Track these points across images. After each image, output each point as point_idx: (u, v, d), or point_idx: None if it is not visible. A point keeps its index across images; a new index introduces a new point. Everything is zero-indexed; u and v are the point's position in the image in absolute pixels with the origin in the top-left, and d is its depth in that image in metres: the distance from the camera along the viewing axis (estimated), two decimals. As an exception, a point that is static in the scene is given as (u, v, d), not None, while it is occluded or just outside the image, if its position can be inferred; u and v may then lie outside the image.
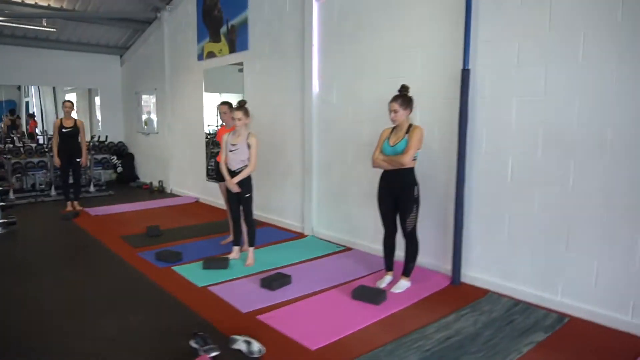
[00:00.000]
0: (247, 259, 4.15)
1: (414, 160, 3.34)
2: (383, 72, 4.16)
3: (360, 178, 4.45)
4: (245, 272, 3.92)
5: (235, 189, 4.01)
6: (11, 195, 7.21)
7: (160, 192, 8.21)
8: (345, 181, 4.70)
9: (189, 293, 3.49)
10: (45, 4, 7.21)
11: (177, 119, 7.68)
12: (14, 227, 5.48)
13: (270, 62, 5.47)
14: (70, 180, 6.52)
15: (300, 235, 5.16)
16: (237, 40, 5.99)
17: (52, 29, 7.76)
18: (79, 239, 5.10)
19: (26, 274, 3.98)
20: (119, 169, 9.23)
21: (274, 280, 3.58)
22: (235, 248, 4.29)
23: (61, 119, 6.40)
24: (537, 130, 3.16)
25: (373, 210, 3.75)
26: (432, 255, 3.89)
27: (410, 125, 3.35)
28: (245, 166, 3.99)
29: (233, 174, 4.01)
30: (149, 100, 8.66)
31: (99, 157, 9.14)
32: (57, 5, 7.31)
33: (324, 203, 5.00)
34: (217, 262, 4.04)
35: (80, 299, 3.42)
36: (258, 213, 5.91)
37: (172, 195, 7.92)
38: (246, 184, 4.04)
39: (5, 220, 5.43)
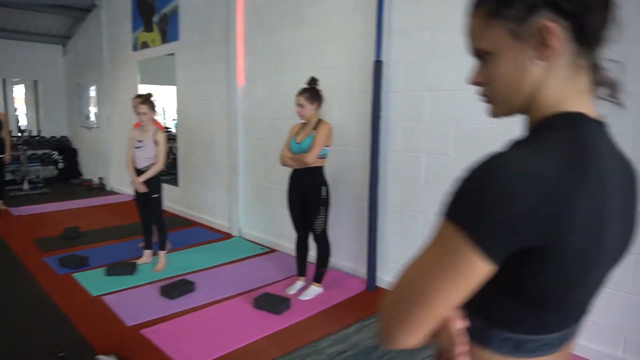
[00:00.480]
0: (157, 264, 3.86)
1: (322, 158, 3.10)
2: (304, 65, 3.90)
3: (282, 177, 4.18)
4: (152, 278, 3.63)
5: (141, 188, 3.71)
6: None
7: (100, 189, 7.81)
8: (269, 180, 4.44)
9: (77, 304, 3.18)
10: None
11: (115, 112, 7.28)
12: None
13: (200, 53, 5.15)
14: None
15: (227, 236, 4.88)
16: (168, 30, 5.65)
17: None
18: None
19: None
20: (60, 165, 8.76)
21: (175, 288, 3.30)
22: (146, 252, 4.00)
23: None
24: (448, 128, 2.96)
25: (288, 212, 3.51)
26: (351, 258, 3.68)
27: (318, 121, 3.11)
28: (153, 164, 3.70)
29: (139, 172, 3.71)
30: (90, 93, 8.23)
31: (40, 152, 8.68)
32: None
33: (250, 203, 4.74)
34: (123, 267, 3.74)
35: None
36: (189, 212, 5.63)
37: (112, 192, 7.53)
38: (153, 183, 3.74)
39: None
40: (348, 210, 3.64)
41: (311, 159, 3.02)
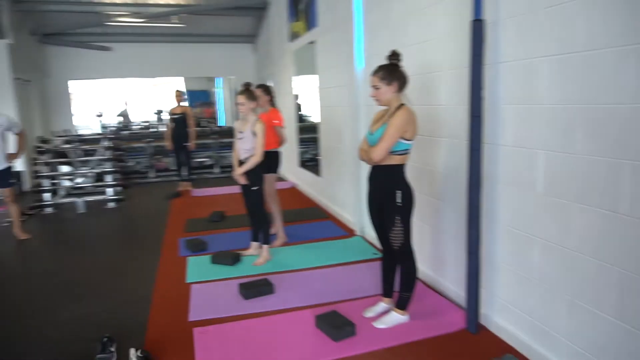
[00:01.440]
0: (258, 258, 3.78)
1: (400, 154, 2.44)
2: (409, 39, 3.18)
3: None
4: (247, 272, 3.56)
5: (241, 180, 3.66)
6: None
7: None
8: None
9: (168, 288, 3.33)
10: (173, 2, 7.95)
11: (280, 104, 7.61)
12: (123, 203, 6.27)
13: (331, 38, 4.85)
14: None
15: (349, 234, 4.51)
16: (309, 17, 5.51)
17: (182, 25, 8.54)
18: (151, 220, 5.44)
19: (77, 249, 4.45)
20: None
21: (251, 288, 3.13)
22: (253, 244, 3.96)
23: (173, 107, 7.00)
24: (575, 112, 1.92)
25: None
26: (457, 281, 2.87)
27: (398, 107, 2.45)
28: (252, 156, 3.60)
29: (242, 164, 3.66)
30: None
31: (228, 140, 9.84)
32: (184, 2, 7.97)
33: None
34: (226, 257, 3.78)
35: (73, 280, 3.60)
36: (328, 204, 5.45)
37: (280, 179, 7.97)
38: (253, 175, 3.64)
39: (116, 197, 6.23)
40: (454, 220, 2.84)
41: (378, 155, 2.39)
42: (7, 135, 4.61)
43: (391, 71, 2.44)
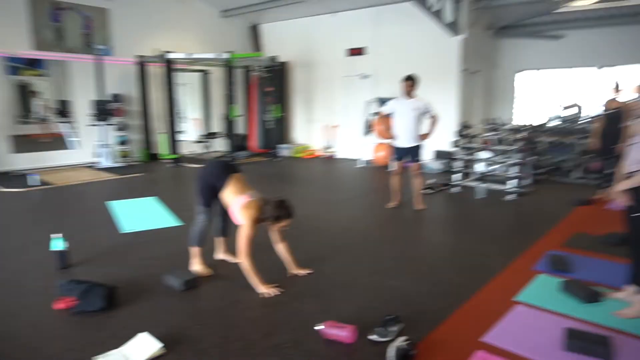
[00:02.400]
0: (629, 307, 2.78)
1: None
2: None
3: None
4: (593, 318, 2.72)
5: (622, 199, 2.73)
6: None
7: None
8: None
9: (488, 296, 3.03)
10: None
11: None
12: (523, 197, 6.03)
13: None
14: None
15: None
16: None
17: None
18: (537, 222, 4.91)
19: (452, 227, 4.68)
20: None
21: (580, 340, 2.38)
22: (629, 287, 2.92)
23: (611, 100, 5.93)
24: None
25: None
26: None
27: None
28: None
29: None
30: None
31: None
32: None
33: None
34: (580, 290, 2.99)
35: (413, 253, 3.80)
36: None
37: None
38: (638, 196, 2.64)
39: (519, 190, 6.05)
40: None
41: None
42: (422, 118, 5.32)
43: None
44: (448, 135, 7.19)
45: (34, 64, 12.84)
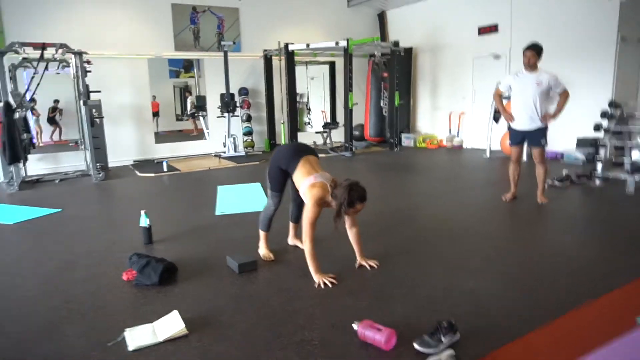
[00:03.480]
0: None
1: None
2: None
3: None
4: None
5: None
6: None
7: None
8: None
9: (599, 317, 2.29)
10: None
11: None
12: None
13: None
14: None
15: None
16: None
17: None
18: None
19: (553, 226, 3.82)
20: None
21: None
22: None
23: None
24: None
25: None
26: None
27: None
28: None
29: None
30: None
31: None
32: None
33: None
34: None
35: (494, 253, 3.10)
36: None
37: None
38: None
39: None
40: None
41: None
42: (547, 95, 4.44)
43: None
44: (596, 120, 5.95)
45: (189, 68, 14.54)
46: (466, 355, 1.95)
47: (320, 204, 2.78)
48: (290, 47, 8.57)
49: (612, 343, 1.99)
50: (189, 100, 14.33)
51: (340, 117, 9.75)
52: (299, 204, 3.39)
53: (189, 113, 14.05)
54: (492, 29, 8.38)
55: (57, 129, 10.02)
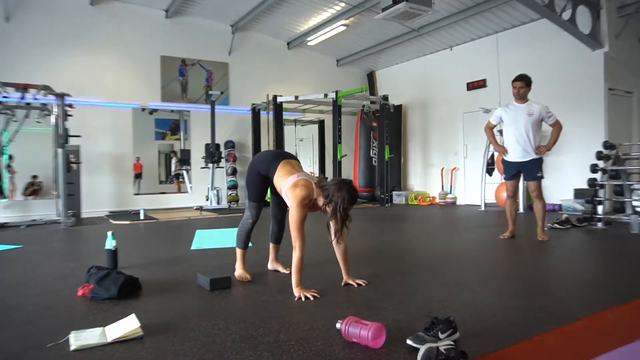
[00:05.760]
0: None
1: None
2: None
3: None
4: None
5: None
6: None
7: None
8: None
9: (613, 322, 2.09)
10: None
11: None
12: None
13: None
14: None
15: None
16: None
17: None
18: None
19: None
20: None
21: None
22: None
23: None
24: None
25: None
26: None
27: None
28: None
29: None
30: None
31: None
32: None
33: None
34: None
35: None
36: None
37: None
38: None
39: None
40: None
41: None
42: (538, 126, 4.48)
43: None
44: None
45: (176, 130, 14.74)
46: (469, 352, 1.73)
47: (306, 205, 2.62)
48: (279, 99, 8.77)
49: (621, 347, 1.80)
50: (173, 162, 14.40)
51: (329, 172, 9.76)
52: (280, 220, 3.25)
53: (172, 174, 14.06)
54: (481, 83, 8.71)
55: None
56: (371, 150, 9.60)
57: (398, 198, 9.75)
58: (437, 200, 9.53)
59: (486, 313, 2.25)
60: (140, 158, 10.91)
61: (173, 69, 9.08)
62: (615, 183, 5.42)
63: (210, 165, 8.72)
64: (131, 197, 8.70)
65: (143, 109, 8.99)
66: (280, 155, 2.96)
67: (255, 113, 9.54)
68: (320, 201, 2.63)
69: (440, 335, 1.81)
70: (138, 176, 12.25)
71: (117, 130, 8.49)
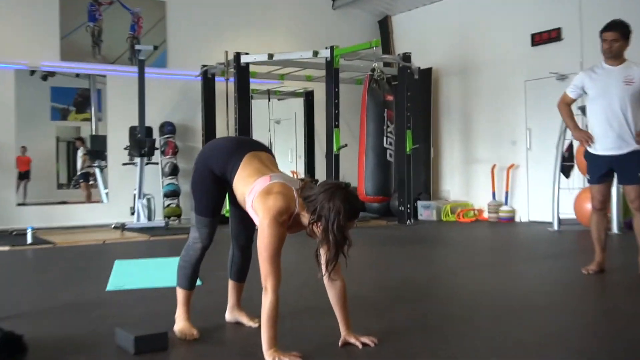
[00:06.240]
0: None
1: None
2: None
3: None
4: None
5: None
6: None
7: None
8: None
9: None
10: None
11: None
12: None
13: None
14: None
15: None
16: None
17: None
18: None
19: None
20: None
21: None
22: None
23: None
24: None
25: None
26: None
27: None
28: None
29: None
30: None
31: None
32: None
33: None
34: None
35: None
36: None
37: None
38: None
39: None
40: None
41: None
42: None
43: None
44: None
45: (84, 106, 14.53)
46: None
47: (283, 223, 2.58)
48: (244, 59, 8.76)
49: None
50: (79, 154, 14.20)
51: (320, 171, 9.79)
52: (244, 245, 3.23)
53: (79, 173, 13.89)
54: (553, 35, 8.77)
55: None
56: (385, 139, 9.49)
57: (426, 211, 9.82)
58: (486, 215, 9.62)
59: None
60: (27, 148, 10.80)
61: (79, 11, 9.05)
62: None
63: (137, 160, 8.69)
64: (12, 209, 8.68)
65: (32, 72, 8.96)
66: (244, 144, 2.96)
67: (208, 80, 9.54)
68: (305, 217, 2.60)
69: None
70: (24, 176, 12.12)
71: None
